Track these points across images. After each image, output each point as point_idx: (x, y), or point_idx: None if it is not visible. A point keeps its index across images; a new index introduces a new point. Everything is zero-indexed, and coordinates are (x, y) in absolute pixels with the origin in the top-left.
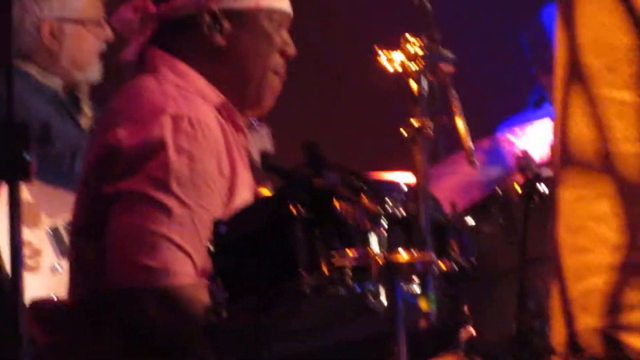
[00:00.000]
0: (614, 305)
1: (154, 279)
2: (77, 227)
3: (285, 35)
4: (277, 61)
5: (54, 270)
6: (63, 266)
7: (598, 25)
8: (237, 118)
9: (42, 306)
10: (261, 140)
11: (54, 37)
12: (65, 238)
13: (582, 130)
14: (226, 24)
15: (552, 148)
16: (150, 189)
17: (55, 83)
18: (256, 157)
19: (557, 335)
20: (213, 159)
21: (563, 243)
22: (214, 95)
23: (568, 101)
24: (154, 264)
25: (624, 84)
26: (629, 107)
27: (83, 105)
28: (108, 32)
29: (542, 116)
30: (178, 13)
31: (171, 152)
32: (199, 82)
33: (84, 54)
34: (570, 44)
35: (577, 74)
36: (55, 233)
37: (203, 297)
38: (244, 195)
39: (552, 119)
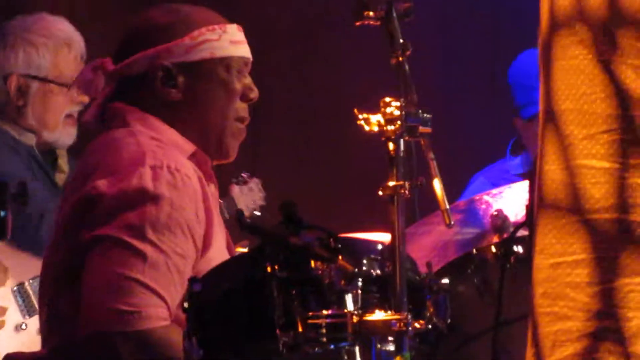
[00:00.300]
0: None
1: (128, 323)
2: (53, 277)
3: (247, 80)
4: (239, 107)
5: (18, 328)
6: (28, 324)
7: (579, 94)
8: (209, 167)
9: (15, 358)
10: (251, 194)
11: (21, 93)
12: (32, 295)
13: (558, 193)
14: (180, 78)
15: (529, 204)
16: (126, 235)
17: (29, 139)
18: (246, 209)
19: None
20: (191, 207)
21: (541, 310)
22: (187, 146)
23: (546, 162)
24: (128, 308)
25: (604, 154)
26: (609, 176)
27: (60, 161)
28: (82, 97)
29: (518, 164)
30: (133, 70)
31: (149, 201)
32: (170, 133)
33: (51, 114)
34: (551, 107)
35: (555, 137)
36: (20, 290)
37: (177, 339)
38: (219, 244)
39: (527, 166)
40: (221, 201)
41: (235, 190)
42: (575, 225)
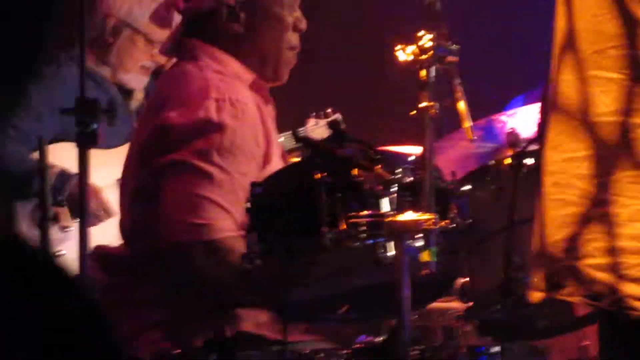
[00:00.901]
0: (589, 249)
1: (199, 234)
2: (131, 193)
3: (297, 13)
4: (291, 38)
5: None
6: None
7: (590, 15)
8: (266, 92)
9: (104, 251)
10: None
11: (114, 32)
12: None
13: (571, 99)
14: (242, 14)
15: (542, 110)
16: (195, 159)
17: (105, 72)
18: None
19: (537, 274)
20: (250, 133)
21: (551, 197)
22: (247, 75)
23: (561, 72)
24: (199, 221)
25: (612, 66)
26: (615, 84)
27: (136, 92)
28: (160, 58)
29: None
30: (201, 7)
31: (214, 129)
32: (234, 65)
33: (130, 59)
34: (568, 26)
35: (571, 51)
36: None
37: (241, 248)
38: (276, 159)
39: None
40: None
41: (310, 122)
42: (585, 126)
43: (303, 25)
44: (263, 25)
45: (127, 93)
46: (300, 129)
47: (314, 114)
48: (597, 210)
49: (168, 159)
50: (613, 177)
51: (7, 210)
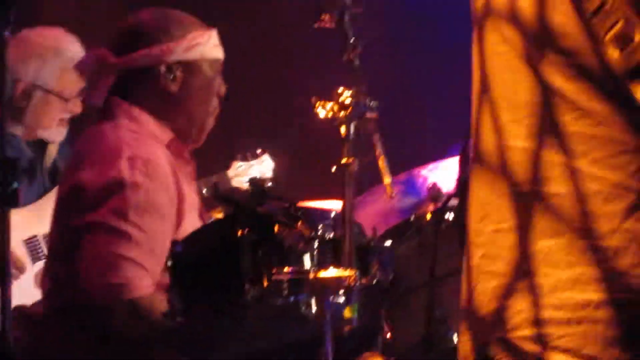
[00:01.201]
0: (518, 320)
1: (118, 293)
2: (53, 251)
3: (219, 78)
4: (215, 103)
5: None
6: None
7: (503, 82)
8: (185, 152)
9: (24, 310)
10: (261, 168)
11: (24, 96)
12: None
13: (494, 171)
14: (178, 73)
15: (459, 177)
16: (110, 219)
17: (19, 131)
18: (242, 184)
19: (464, 348)
20: (163, 191)
21: (480, 269)
22: (164, 135)
23: (481, 133)
24: (118, 280)
25: (527, 135)
26: (529, 154)
27: (50, 148)
28: (75, 108)
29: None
30: (137, 64)
31: (128, 188)
32: (151, 124)
33: (47, 118)
34: (485, 87)
35: (489, 116)
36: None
37: (160, 306)
38: (190, 217)
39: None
40: (213, 179)
41: (233, 166)
42: (507, 196)
43: (223, 90)
44: (195, 87)
45: (41, 149)
46: (227, 171)
47: (240, 155)
48: (523, 281)
49: (84, 220)
50: (535, 247)
51: None
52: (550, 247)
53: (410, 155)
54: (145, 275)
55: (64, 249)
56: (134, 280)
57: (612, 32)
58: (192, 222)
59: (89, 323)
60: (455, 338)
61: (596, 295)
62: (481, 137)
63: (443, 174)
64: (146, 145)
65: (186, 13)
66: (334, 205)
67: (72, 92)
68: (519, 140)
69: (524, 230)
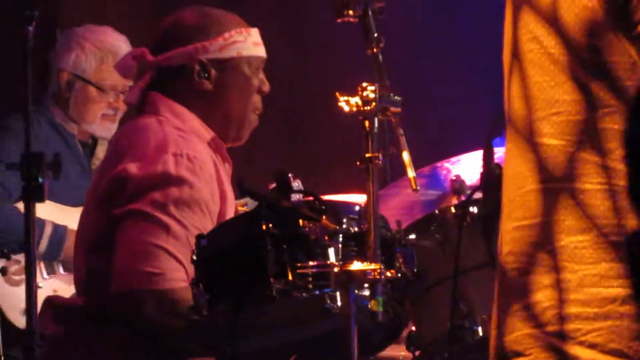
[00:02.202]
0: (548, 316)
1: (152, 282)
2: (86, 242)
3: (261, 75)
4: (256, 100)
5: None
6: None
7: (533, 79)
8: (224, 150)
9: (56, 302)
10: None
11: (68, 87)
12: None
13: (521, 169)
14: (213, 71)
15: (483, 170)
16: (153, 209)
17: (72, 128)
18: None
19: (495, 342)
20: (207, 189)
21: (507, 267)
22: (206, 133)
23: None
24: (153, 270)
25: (554, 133)
26: (557, 151)
27: (98, 149)
28: (119, 104)
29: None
30: (172, 62)
31: (172, 183)
32: (194, 122)
33: (88, 110)
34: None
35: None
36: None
37: (191, 299)
38: (230, 216)
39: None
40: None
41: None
42: (533, 192)
43: (266, 88)
44: (232, 84)
45: (91, 150)
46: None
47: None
48: (550, 277)
49: (126, 208)
50: (561, 242)
51: None
52: (578, 243)
53: (434, 149)
54: (180, 269)
55: (103, 238)
56: (167, 271)
57: None
58: None
59: (122, 312)
60: (480, 331)
61: (623, 291)
62: (513, 117)
63: (466, 167)
64: (191, 142)
65: (227, 11)
66: (358, 199)
67: (112, 85)
68: (549, 137)
69: (549, 227)
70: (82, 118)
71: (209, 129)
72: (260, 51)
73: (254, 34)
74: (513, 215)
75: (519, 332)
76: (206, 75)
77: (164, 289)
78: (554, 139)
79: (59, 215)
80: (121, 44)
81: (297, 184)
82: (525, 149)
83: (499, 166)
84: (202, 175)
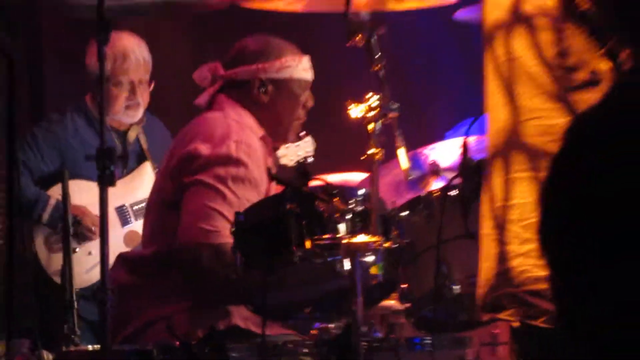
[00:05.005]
0: (523, 278)
1: (209, 237)
2: (159, 204)
3: (307, 93)
4: (300, 112)
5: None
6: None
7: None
8: (270, 146)
9: (127, 256)
10: (306, 145)
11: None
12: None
13: (504, 156)
14: (269, 88)
15: (462, 159)
16: (215, 181)
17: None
18: (289, 161)
19: (485, 299)
20: (258, 171)
21: (490, 238)
22: (258, 130)
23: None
24: (210, 228)
25: (534, 135)
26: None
27: (130, 134)
28: (141, 99)
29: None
30: (238, 77)
31: (232, 162)
32: (250, 120)
33: (111, 105)
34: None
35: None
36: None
37: None
38: (272, 193)
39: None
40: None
41: (282, 146)
42: (513, 178)
43: (310, 103)
44: (283, 100)
45: (124, 136)
46: (277, 151)
47: None
48: (525, 247)
49: (194, 178)
50: (535, 219)
51: (25, 232)
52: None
53: (414, 137)
54: (231, 229)
55: (172, 200)
56: (221, 230)
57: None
58: None
59: (183, 258)
60: (457, 289)
61: None
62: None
63: (441, 152)
64: (247, 134)
65: (284, 40)
66: (361, 176)
67: (128, 80)
68: (529, 137)
69: (525, 206)
70: (108, 111)
71: (261, 128)
72: (309, 75)
73: (305, 61)
74: (496, 197)
75: (501, 291)
76: (264, 90)
77: (218, 243)
78: (533, 138)
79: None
80: (134, 47)
81: (308, 139)
82: (507, 146)
83: (473, 159)
84: (255, 160)
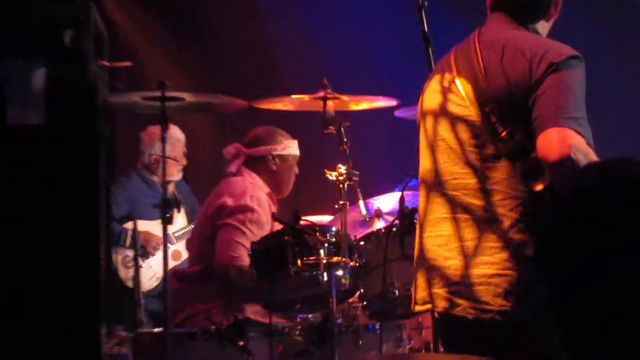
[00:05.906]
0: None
1: (234, 260)
2: (200, 238)
3: (296, 165)
4: (292, 177)
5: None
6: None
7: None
8: (275, 199)
9: (177, 270)
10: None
11: (156, 163)
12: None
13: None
14: (278, 160)
15: (400, 208)
16: (238, 223)
17: (156, 179)
18: None
19: (419, 294)
20: (265, 216)
21: (425, 247)
22: (265, 188)
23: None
24: (235, 254)
25: (453, 188)
26: (458, 197)
27: (169, 186)
28: (183, 162)
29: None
30: (256, 153)
31: (249, 211)
32: (260, 182)
33: (171, 171)
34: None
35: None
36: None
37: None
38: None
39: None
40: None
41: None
42: (443, 206)
43: (297, 171)
44: (285, 169)
45: (165, 187)
46: None
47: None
48: (457, 245)
49: (223, 221)
50: (466, 243)
51: (107, 255)
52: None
53: (366, 192)
54: (248, 255)
55: (209, 236)
56: (242, 256)
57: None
58: None
59: (218, 274)
60: (397, 292)
61: (491, 270)
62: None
63: (384, 202)
64: (258, 191)
65: (283, 130)
66: (328, 218)
67: (179, 156)
68: (449, 190)
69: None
70: (169, 175)
71: (268, 187)
72: (298, 152)
73: (296, 143)
74: (426, 228)
75: (431, 289)
76: (274, 162)
77: (240, 265)
78: (453, 191)
79: (147, 226)
80: (179, 133)
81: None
82: (435, 195)
83: (407, 207)
84: (263, 209)
